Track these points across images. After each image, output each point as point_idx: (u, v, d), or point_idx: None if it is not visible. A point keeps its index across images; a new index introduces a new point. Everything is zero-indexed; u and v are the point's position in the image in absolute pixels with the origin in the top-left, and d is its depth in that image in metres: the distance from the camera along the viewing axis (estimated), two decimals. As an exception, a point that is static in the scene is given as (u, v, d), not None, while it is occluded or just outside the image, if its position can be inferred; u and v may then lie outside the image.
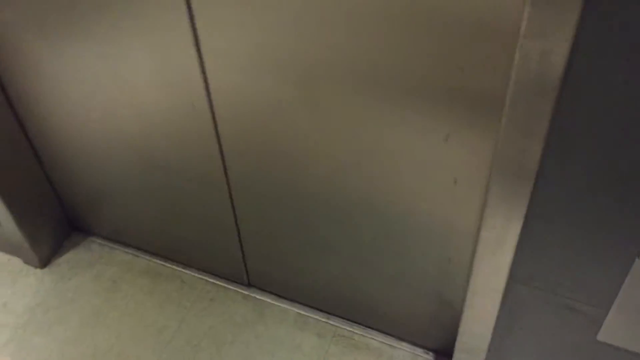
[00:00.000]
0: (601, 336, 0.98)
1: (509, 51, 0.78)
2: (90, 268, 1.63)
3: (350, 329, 1.49)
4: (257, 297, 1.55)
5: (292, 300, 1.53)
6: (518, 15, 0.74)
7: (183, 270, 1.62)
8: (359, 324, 1.49)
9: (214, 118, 1.15)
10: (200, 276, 1.60)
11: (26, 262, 1.64)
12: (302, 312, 1.52)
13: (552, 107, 0.77)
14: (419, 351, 1.45)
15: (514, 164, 0.84)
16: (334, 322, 1.50)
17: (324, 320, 1.51)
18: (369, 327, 1.48)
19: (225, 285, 1.58)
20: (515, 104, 0.78)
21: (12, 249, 1.63)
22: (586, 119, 0.76)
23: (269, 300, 1.54)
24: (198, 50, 1.03)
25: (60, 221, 1.66)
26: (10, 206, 1.47)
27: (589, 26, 0.69)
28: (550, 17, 0.69)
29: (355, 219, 1.17)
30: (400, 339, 1.46)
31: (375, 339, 1.47)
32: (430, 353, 1.43)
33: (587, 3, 0.66)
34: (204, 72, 1.06)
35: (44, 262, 1.63)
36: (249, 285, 1.57)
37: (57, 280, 1.61)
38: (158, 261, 1.64)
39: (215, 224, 1.42)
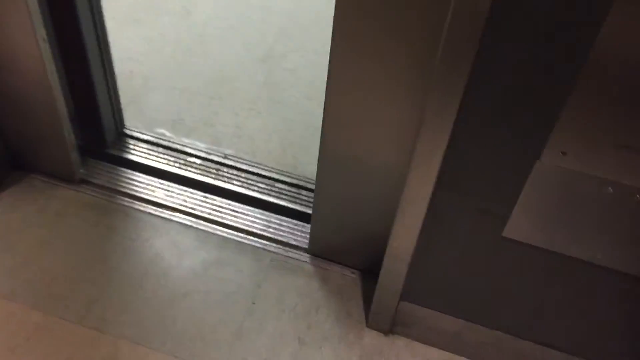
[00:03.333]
0: (506, 232, 1.20)
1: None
2: (34, 202, 1.68)
3: (285, 254, 1.65)
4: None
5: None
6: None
7: (129, 205, 1.71)
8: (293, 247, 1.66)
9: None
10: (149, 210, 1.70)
11: (-33, 195, 1.67)
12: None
13: (480, 34, 0.95)
14: (347, 271, 1.64)
15: (446, 84, 1.03)
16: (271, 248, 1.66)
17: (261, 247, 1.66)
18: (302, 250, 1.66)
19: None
20: (452, 33, 0.97)
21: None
22: (499, 51, 0.96)
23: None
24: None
25: (1, 159, 1.69)
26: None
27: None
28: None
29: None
30: (331, 260, 1.64)
31: (308, 262, 1.64)
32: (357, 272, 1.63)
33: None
34: None
35: (-14, 196, 1.67)
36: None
37: (1, 213, 1.65)
38: (103, 196, 1.72)
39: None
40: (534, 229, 1.17)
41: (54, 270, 1.55)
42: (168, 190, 1.75)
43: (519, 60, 0.96)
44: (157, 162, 1.81)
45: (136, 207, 1.70)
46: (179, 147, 1.86)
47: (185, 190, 1.76)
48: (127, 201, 1.71)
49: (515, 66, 0.97)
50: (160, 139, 1.88)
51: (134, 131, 1.88)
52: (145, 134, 1.88)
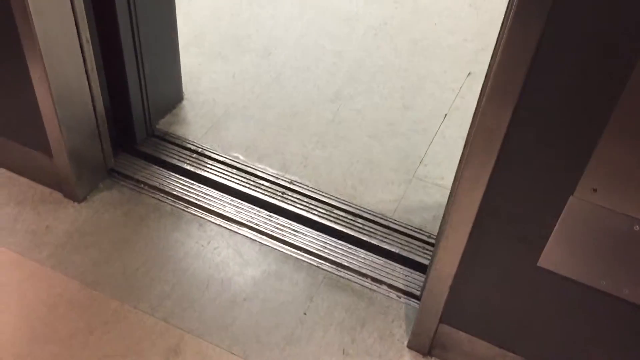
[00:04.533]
0: (541, 262, 1.31)
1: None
2: (121, 206, 1.91)
3: (337, 273, 1.80)
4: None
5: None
6: None
7: (202, 216, 1.91)
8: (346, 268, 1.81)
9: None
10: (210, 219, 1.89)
11: (66, 196, 1.90)
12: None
13: (526, 69, 1.11)
14: (392, 293, 1.77)
15: (489, 131, 1.18)
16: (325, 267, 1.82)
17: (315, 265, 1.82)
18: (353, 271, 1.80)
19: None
20: (500, 69, 1.12)
21: (55, 183, 1.89)
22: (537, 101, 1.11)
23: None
24: None
25: (99, 164, 1.94)
26: (68, 142, 1.75)
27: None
28: None
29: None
30: (380, 282, 1.78)
31: (357, 282, 1.78)
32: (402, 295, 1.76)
33: None
34: None
35: (81, 198, 1.90)
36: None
37: (92, 213, 1.88)
38: (180, 206, 1.93)
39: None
40: (567, 260, 1.29)
41: (133, 266, 1.76)
42: (238, 207, 1.95)
43: (558, 98, 1.10)
44: (230, 181, 2.02)
45: (208, 219, 1.90)
46: (250, 169, 2.06)
47: (253, 208, 1.95)
48: (201, 213, 1.91)
49: (554, 104, 1.11)
50: (235, 161, 2.09)
51: (212, 152, 2.10)
52: (222, 156, 2.09)
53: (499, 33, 1.25)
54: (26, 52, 1.57)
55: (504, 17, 1.19)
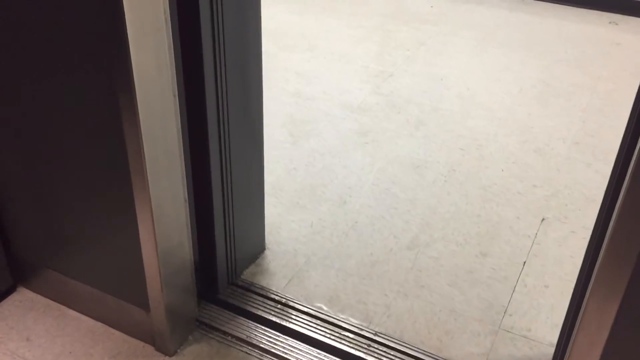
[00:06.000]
0: None
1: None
2: (210, 359, 1.93)
3: None
4: None
5: None
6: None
7: (289, 370, 1.91)
8: None
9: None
10: (303, 377, 1.88)
11: (158, 350, 1.93)
12: None
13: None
14: None
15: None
16: None
17: None
18: None
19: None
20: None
21: (149, 337, 1.93)
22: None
23: None
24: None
25: (191, 317, 1.98)
26: (166, 297, 1.81)
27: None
28: None
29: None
30: None
31: None
32: None
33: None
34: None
35: (172, 352, 1.93)
36: None
37: (183, 367, 1.90)
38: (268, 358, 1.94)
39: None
40: None
41: None
42: (324, 360, 1.94)
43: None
44: (315, 333, 2.03)
45: (296, 373, 1.90)
46: (334, 320, 2.08)
47: (339, 362, 1.94)
48: (288, 366, 1.92)
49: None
50: (319, 312, 2.11)
51: (296, 303, 2.13)
52: (306, 307, 2.12)
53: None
54: (139, 214, 1.68)
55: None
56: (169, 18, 1.51)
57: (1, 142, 1.84)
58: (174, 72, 1.58)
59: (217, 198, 1.96)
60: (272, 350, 1.96)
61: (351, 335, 2.03)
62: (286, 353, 1.96)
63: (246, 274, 2.25)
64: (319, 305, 2.15)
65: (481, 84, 3.63)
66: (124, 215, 1.72)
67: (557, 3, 4.69)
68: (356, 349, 1.98)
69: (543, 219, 2.55)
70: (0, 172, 1.91)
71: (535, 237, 2.46)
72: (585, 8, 4.62)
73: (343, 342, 2.01)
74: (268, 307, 2.13)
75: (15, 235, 2.05)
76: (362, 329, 2.05)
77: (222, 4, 1.69)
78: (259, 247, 2.35)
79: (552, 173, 2.85)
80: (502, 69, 3.82)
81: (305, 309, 2.12)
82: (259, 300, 2.15)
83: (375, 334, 2.04)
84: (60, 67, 1.58)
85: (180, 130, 1.67)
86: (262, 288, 2.20)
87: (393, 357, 1.96)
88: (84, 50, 1.52)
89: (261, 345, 1.98)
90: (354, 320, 2.09)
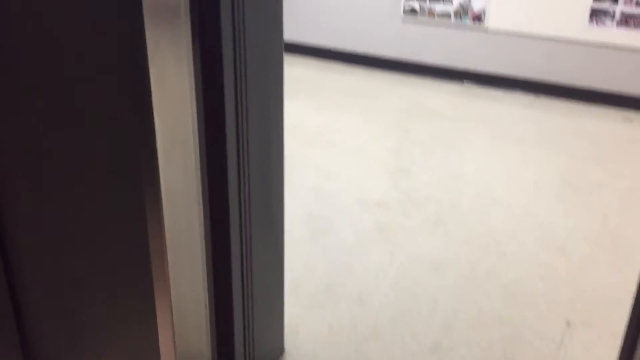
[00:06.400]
0: None
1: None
2: None
3: None
4: None
5: None
6: None
7: None
8: None
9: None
10: None
11: None
12: None
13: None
14: None
15: None
16: None
17: None
18: None
19: None
20: None
21: None
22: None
23: None
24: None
25: None
26: None
27: None
28: None
29: None
30: None
31: None
32: None
33: None
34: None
35: None
36: None
37: None
38: None
39: None
40: None
41: None
42: None
43: None
44: None
45: None
46: None
47: None
48: None
49: None
50: (339, 421, 2.03)
51: (315, 411, 2.06)
52: (325, 415, 2.05)
53: None
54: (159, 319, 1.66)
55: None
56: (196, 128, 1.56)
57: (28, 242, 1.86)
58: (199, 180, 1.62)
59: (238, 303, 1.94)
60: None
61: None
62: None
63: (264, 379, 2.19)
64: (338, 413, 2.07)
65: (499, 181, 3.65)
66: (144, 322, 1.70)
67: (569, 100, 4.78)
68: None
69: (569, 323, 2.49)
70: (23, 270, 1.92)
71: (562, 342, 2.39)
72: (598, 105, 4.71)
73: None
74: (286, 415, 2.06)
75: (32, 331, 2.03)
76: None
77: (247, 111, 1.75)
78: (278, 350, 2.30)
79: (574, 273, 2.81)
80: (520, 165, 3.85)
81: (325, 418, 2.05)
82: (277, 408, 2.08)
83: None
84: (91, 174, 1.62)
85: (204, 238, 1.68)
86: (280, 394, 2.14)
87: None
88: (114, 159, 1.56)
89: None
90: None
